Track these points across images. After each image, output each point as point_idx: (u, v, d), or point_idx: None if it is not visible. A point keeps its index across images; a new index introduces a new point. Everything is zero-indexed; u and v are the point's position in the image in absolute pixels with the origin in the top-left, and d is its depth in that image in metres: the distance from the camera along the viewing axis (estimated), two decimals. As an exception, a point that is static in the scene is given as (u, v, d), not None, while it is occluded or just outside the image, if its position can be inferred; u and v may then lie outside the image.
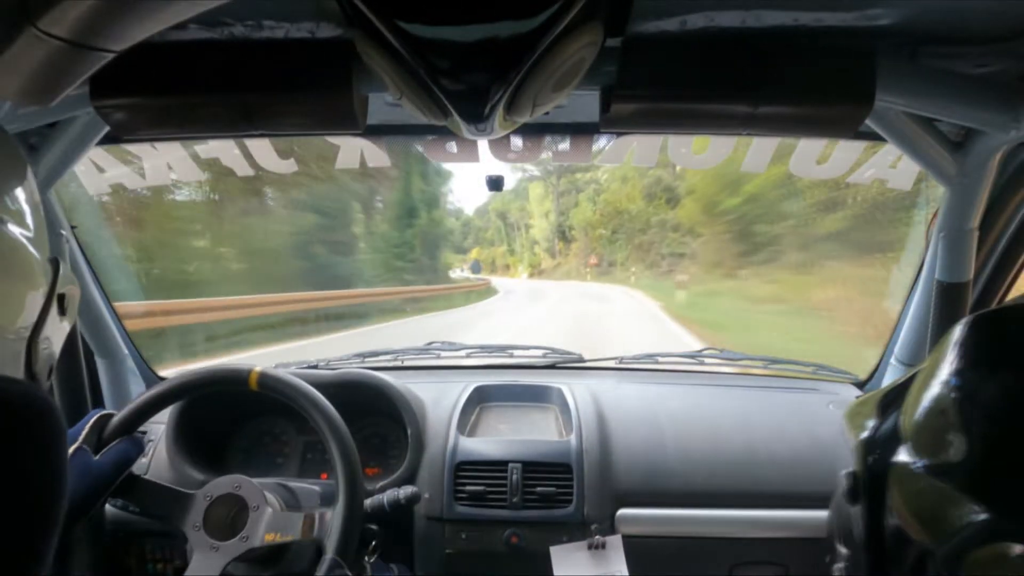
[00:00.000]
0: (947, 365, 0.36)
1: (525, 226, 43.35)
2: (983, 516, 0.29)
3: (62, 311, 0.52)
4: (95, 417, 0.95)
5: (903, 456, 0.39)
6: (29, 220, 0.47)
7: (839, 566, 0.50)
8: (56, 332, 0.51)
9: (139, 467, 1.21)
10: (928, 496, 0.34)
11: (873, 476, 0.44)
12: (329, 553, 0.89)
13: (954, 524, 0.31)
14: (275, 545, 0.93)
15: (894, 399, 0.47)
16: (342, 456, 0.94)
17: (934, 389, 0.37)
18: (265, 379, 0.99)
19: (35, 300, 0.48)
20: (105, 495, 0.90)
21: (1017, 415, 0.30)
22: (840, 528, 0.50)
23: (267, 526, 0.91)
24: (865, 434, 0.47)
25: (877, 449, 0.45)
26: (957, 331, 0.37)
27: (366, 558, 1.00)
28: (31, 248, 0.47)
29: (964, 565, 0.31)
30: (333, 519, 0.92)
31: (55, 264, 0.51)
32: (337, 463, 0.94)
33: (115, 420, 0.96)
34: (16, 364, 0.46)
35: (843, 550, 0.49)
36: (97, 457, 0.90)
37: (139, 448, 0.97)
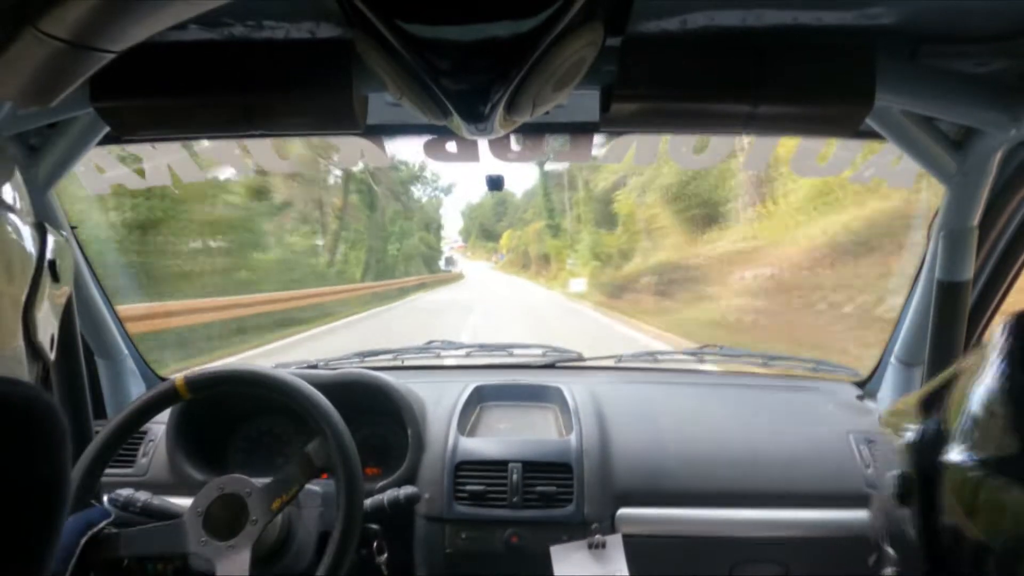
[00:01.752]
0: (993, 365, 0.36)
1: (583, 183, 19.67)
2: None
3: (55, 277, 0.51)
4: None
5: (954, 455, 0.39)
6: (8, 187, 0.46)
7: (889, 570, 0.48)
8: (53, 300, 0.50)
9: (138, 468, 1.22)
10: (984, 492, 0.34)
11: (924, 476, 0.43)
12: (334, 538, 0.89)
13: (1011, 520, 0.31)
14: (284, 531, 0.93)
15: (934, 401, 0.46)
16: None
17: (980, 389, 0.37)
18: (193, 382, 0.98)
19: (25, 270, 0.46)
20: (71, 561, 0.84)
21: None
22: (889, 531, 0.49)
23: (268, 498, 0.91)
24: (910, 435, 0.46)
25: (925, 450, 0.44)
26: (999, 331, 0.37)
27: (378, 558, 1.01)
28: (14, 218, 0.46)
29: (1022, 561, 0.30)
30: (323, 446, 0.93)
31: (41, 229, 0.50)
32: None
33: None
34: (14, 337, 0.45)
35: (892, 552, 0.48)
36: None
37: (102, 514, 0.92)
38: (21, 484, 0.41)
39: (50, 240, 0.50)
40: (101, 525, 0.90)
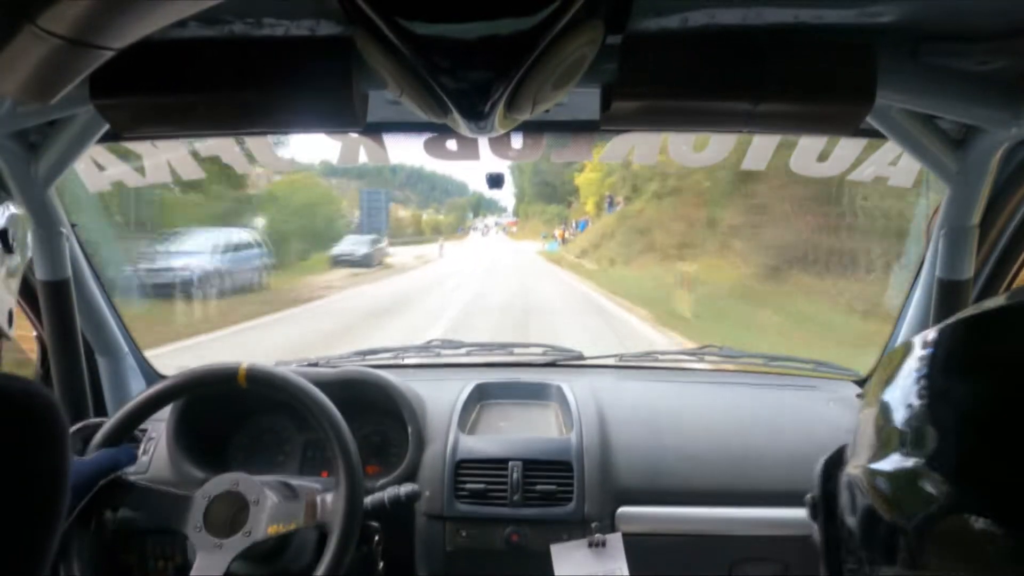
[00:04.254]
0: (907, 375, 0.39)
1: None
2: (950, 491, 0.31)
3: (7, 248, 0.50)
4: (79, 425, 0.93)
5: (855, 467, 0.43)
6: None
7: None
8: (6, 273, 0.49)
9: (139, 466, 1.21)
10: (895, 480, 0.36)
11: (827, 493, 0.51)
12: (334, 537, 0.89)
13: (922, 500, 0.33)
14: (279, 536, 0.93)
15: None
16: (339, 446, 0.95)
17: (893, 399, 0.39)
18: (254, 374, 0.99)
19: None
20: (85, 498, 0.87)
21: (996, 409, 0.32)
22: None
23: (269, 518, 0.91)
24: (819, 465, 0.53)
25: (830, 471, 0.51)
26: (918, 341, 0.39)
27: (378, 557, 1.01)
28: None
29: (931, 537, 0.32)
30: (336, 502, 0.92)
31: None
32: (336, 452, 0.94)
33: (101, 431, 0.96)
34: None
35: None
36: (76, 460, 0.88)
37: (129, 456, 0.95)
38: (21, 477, 0.41)
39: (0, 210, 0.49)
40: (122, 471, 0.93)
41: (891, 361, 0.41)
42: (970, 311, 0.36)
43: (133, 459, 0.96)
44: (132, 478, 0.95)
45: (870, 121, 0.89)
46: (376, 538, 1.01)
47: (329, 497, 0.94)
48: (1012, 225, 1.08)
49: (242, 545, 0.89)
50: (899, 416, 0.37)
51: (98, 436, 0.95)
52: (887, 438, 0.38)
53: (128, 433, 0.99)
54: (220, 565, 0.87)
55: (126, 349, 1.39)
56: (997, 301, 0.37)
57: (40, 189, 1.01)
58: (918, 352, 0.38)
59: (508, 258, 19.04)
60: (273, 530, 0.91)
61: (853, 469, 0.43)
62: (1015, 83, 0.79)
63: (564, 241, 20.76)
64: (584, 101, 0.93)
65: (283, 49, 0.77)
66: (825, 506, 0.51)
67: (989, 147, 0.90)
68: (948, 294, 1.04)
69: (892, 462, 0.36)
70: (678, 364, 1.57)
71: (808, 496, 0.53)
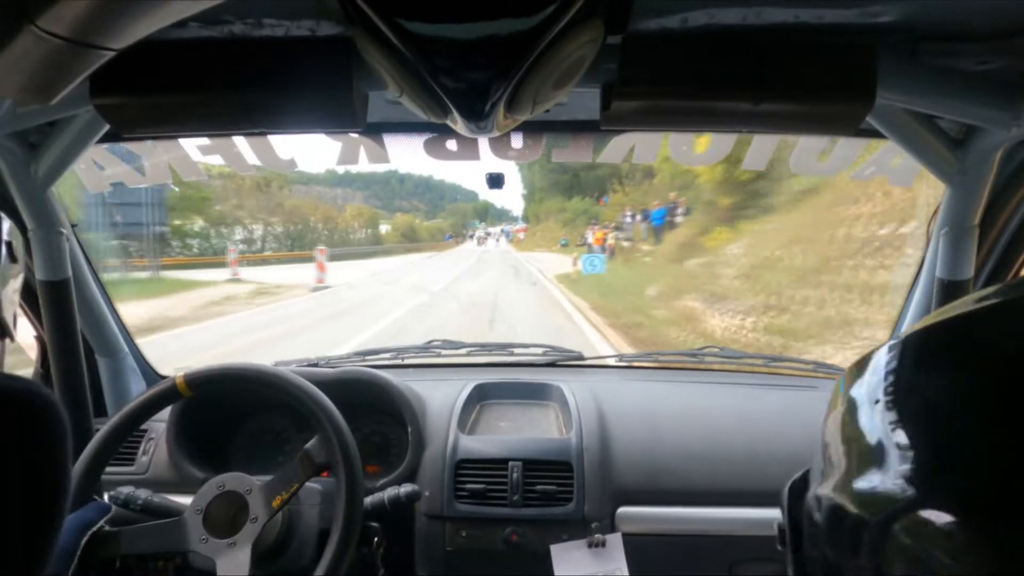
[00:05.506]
0: (867, 385, 0.39)
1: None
2: (911, 489, 0.32)
3: (12, 258, 0.54)
4: None
5: (825, 487, 0.42)
6: None
7: None
8: (9, 279, 0.53)
9: (139, 466, 1.22)
10: (860, 480, 0.36)
11: (795, 520, 0.50)
12: (334, 535, 0.89)
13: (883, 497, 0.33)
14: (284, 527, 0.94)
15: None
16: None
17: (857, 420, 0.39)
18: (192, 379, 0.99)
19: None
20: (73, 563, 0.84)
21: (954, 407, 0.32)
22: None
23: (268, 496, 0.92)
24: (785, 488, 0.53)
25: (796, 495, 0.50)
26: (882, 353, 0.39)
27: (378, 559, 1.01)
28: None
29: (892, 532, 0.33)
30: (325, 441, 0.93)
31: None
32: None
33: None
34: None
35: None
36: None
37: (101, 510, 0.92)
38: (21, 478, 0.41)
39: (4, 224, 0.52)
40: (101, 523, 0.91)
41: (859, 367, 0.41)
42: (947, 311, 0.36)
43: (107, 510, 0.93)
44: (115, 528, 0.92)
45: (870, 121, 0.89)
46: (376, 538, 1.01)
47: (317, 440, 0.94)
48: (1012, 225, 1.08)
49: (255, 532, 0.89)
50: (873, 419, 0.37)
51: None
52: (861, 450, 0.38)
53: (89, 491, 0.96)
54: (243, 561, 0.87)
55: (126, 349, 1.39)
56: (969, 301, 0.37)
57: (40, 189, 1.01)
58: (884, 353, 0.38)
59: (460, 315, 8.68)
60: (278, 502, 0.91)
61: (822, 490, 0.42)
62: (1015, 83, 0.79)
63: (609, 250, 12.50)
64: (584, 101, 0.93)
65: (283, 49, 0.77)
66: (793, 533, 0.50)
67: (989, 147, 0.90)
68: (948, 294, 1.04)
69: (868, 479, 0.36)
70: (678, 364, 1.57)
71: (776, 523, 0.53)
